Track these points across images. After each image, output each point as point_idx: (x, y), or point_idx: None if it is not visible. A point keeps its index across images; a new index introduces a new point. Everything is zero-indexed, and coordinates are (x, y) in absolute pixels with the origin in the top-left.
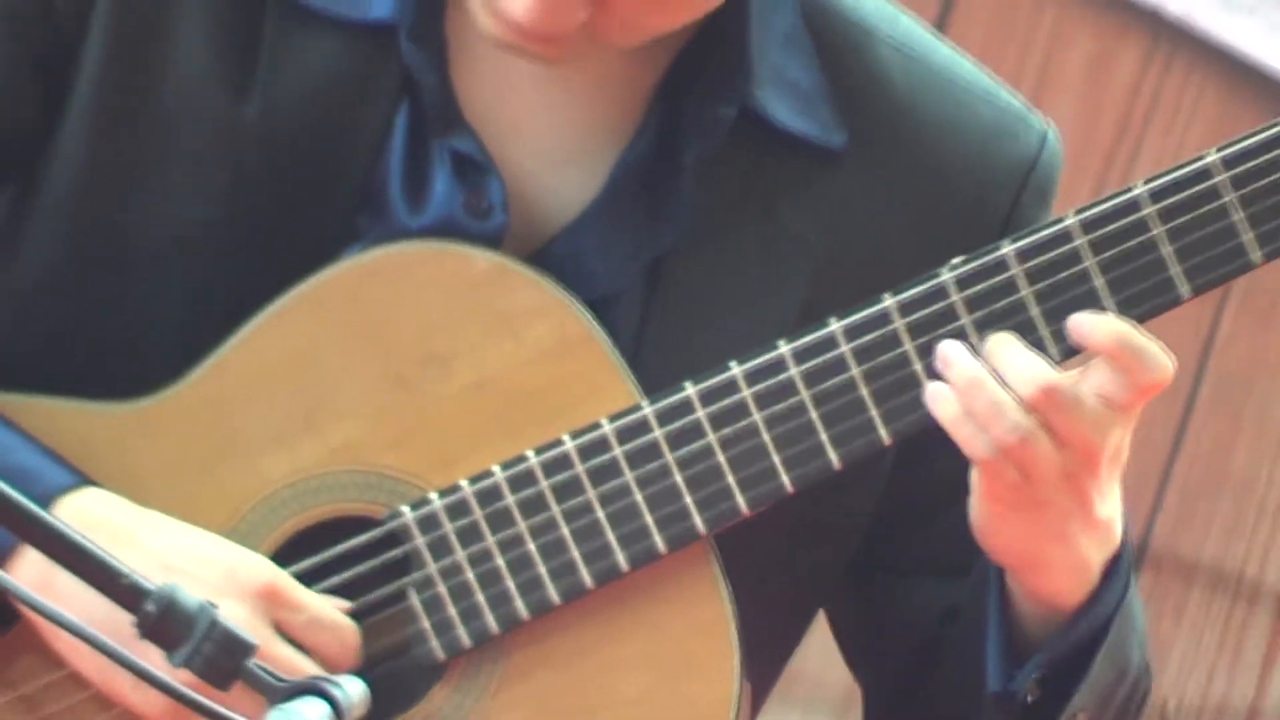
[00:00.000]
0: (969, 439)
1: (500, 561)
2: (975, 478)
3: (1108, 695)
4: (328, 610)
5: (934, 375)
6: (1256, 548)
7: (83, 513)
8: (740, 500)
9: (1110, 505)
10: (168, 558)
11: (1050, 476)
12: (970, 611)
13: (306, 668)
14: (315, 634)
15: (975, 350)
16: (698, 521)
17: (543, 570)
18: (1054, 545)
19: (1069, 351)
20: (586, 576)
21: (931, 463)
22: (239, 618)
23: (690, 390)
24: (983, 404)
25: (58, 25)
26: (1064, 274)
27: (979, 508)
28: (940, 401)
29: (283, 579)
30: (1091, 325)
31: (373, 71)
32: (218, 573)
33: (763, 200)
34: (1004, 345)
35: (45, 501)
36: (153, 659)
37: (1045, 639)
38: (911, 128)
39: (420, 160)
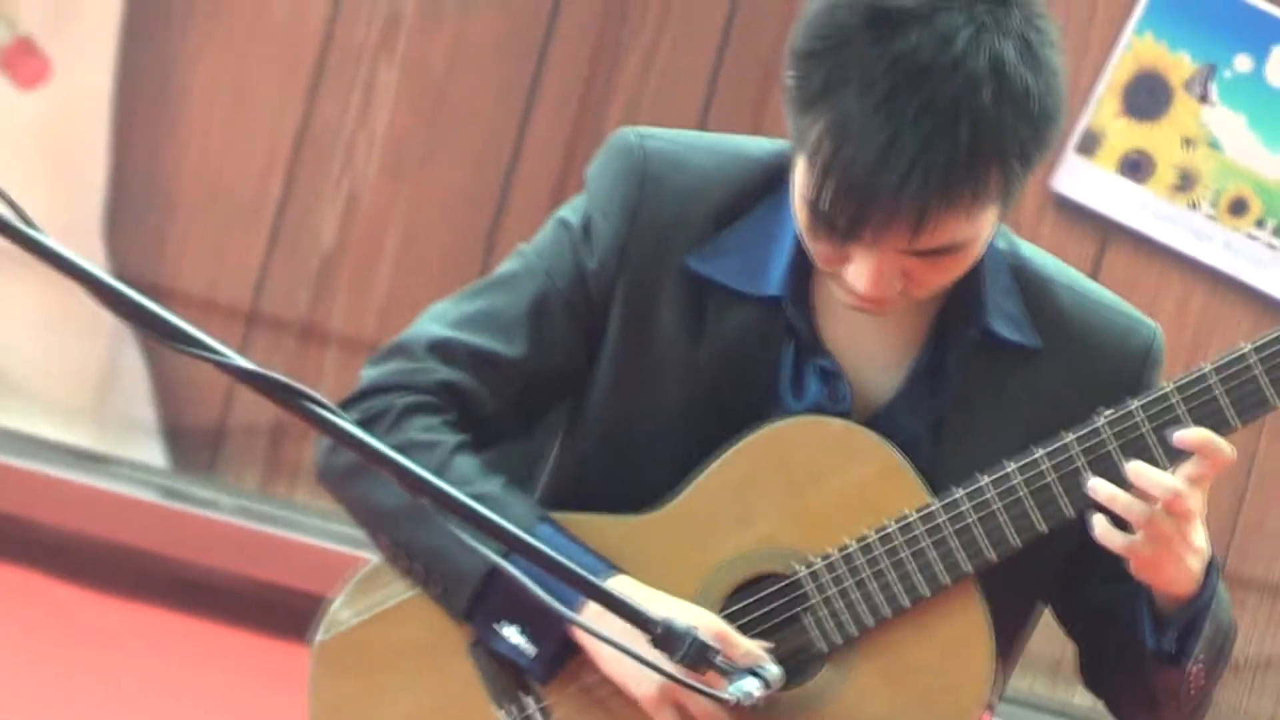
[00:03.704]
0: (1127, 511)
1: (856, 596)
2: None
3: (1212, 641)
4: (754, 648)
5: (1097, 471)
6: None
7: (615, 586)
8: (990, 554)
9: (1200, 537)
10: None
11: (1168, 531)
12: (1128, 604)
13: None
14: (745, 660)
15: (1120, 464)
16: (966, 566)
17: (880, 598)
18: (1174, 565)
19: (1173, 453)
20: (904, 599)
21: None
22: None
23: (959, 493)
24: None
25: (596, 311)
26: (1166, 416)
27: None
28: (1101, 491)
29: (727, 628)
30: (1188, 434)
31: (770, 324)
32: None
33: (995, 381)
34: (1144, 468)
35: (598, 578)
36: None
37: (1175, 614)
38: (1077, 332)
39: (800, 372)
